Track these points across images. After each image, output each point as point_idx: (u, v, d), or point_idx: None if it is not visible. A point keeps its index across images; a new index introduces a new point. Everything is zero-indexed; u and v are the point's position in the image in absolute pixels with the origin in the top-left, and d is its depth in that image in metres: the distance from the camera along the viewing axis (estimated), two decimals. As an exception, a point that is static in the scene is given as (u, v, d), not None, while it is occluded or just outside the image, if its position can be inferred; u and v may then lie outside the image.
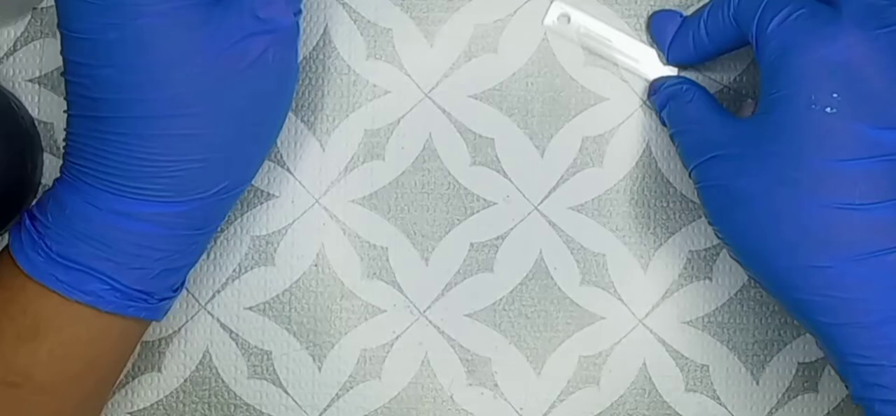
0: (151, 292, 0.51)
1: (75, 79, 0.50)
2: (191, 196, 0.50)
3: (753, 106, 0.58)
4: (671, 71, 0.59)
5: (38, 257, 0.50)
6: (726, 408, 0.60)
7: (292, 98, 0.53)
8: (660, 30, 0.58)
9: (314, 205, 0.60)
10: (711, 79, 0.60)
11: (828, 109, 0.49)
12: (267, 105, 0.51)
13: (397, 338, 0.61)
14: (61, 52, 0.50)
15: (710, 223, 0.54)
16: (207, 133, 0.49)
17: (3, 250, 0.52)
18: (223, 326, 0.60)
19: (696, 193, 0.60)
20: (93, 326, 0.51)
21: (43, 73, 0.60)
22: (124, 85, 0.48)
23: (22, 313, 0.50)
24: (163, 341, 0.60)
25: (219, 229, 0.59)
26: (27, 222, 0.51)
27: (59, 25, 0.50)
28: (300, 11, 0.52)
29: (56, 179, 0.52)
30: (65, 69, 0.50)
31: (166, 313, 0.54)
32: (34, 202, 0.53)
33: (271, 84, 0.51)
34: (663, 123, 0.58)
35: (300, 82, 0.60)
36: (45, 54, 0.60)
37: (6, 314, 0.50)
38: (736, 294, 0.61)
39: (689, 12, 0.58)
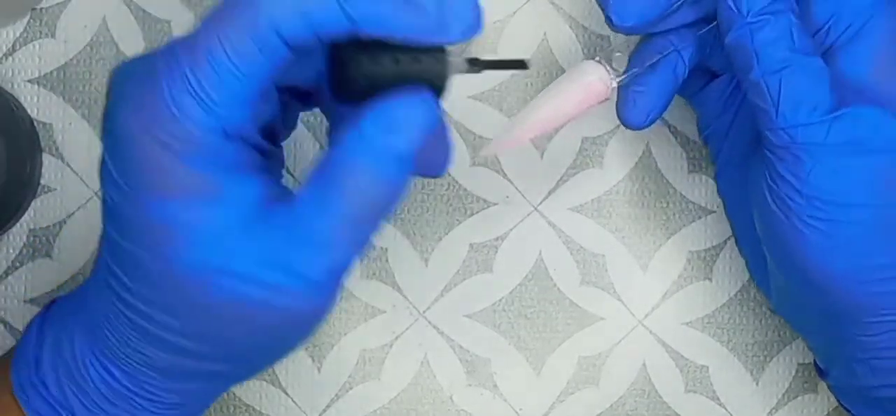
0: None
1: (117, 261, 0.45)
2: (188, 399, 0.48)
3: None
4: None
5: (36, 396, 0.48)
6: (726, 409, 0.60)
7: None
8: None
9: (314, 205, 0.60)
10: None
11: None
12: (281, 349, 0.48)
13: (397, 339, 0.61)
14: (105, 225, 0.46)
15: None
16: (218, 369, 0.46)
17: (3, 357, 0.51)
18: (223, 326, 0.60)
19: (694, 194, 0.60)
20: None
21: (42, 73, 0.60)
22: (154, 302, 0.45)
23: None
24: (162, 342, 0.60)
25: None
26: (34, 338, 0.49)
27: (106, 216, 0.46)
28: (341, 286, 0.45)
29: (82, 289, 0.49)
30: (108, 234, 0.46)
31: None
32: (46, 307, 0.50)
33: (291, 338, 0.47)
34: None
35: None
36: (45, 55, 0.60)
37: None
38: (736, 295, 0.60)
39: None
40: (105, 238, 0.46)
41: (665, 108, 0.54)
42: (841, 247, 0.49)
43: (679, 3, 0.52)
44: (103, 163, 0.45)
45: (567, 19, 0.60)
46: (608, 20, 0.52)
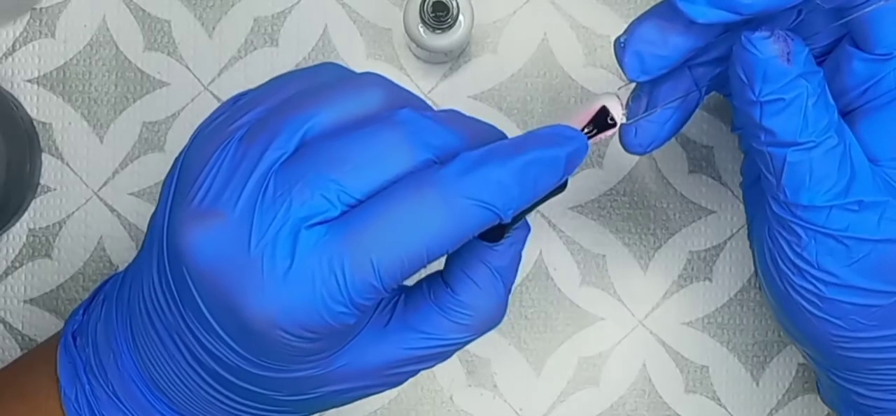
0: None
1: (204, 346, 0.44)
2: None
3: None
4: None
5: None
6: (726, 409, 0.60)
7: None
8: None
9: (314, 205, 0.60)
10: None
11: None
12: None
13: (397, 339, 0.60)
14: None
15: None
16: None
17: (46, 349, 0.50)
18: (222, 326, 0.60)
19: (694, 194, 0.60)
20: None
21: (42, 73, 0.60)
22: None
23: None
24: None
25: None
26: (91, 362, 0.48)
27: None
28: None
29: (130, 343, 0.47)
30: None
31: None
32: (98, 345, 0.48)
33: None
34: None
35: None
36: (45, 55, 0.60)
37: None
38: (736, 295, 0.60)
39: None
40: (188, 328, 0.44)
41: (671, 137, 0.51)
42: (830, 319, 0.48)
43: (694, 53, 0.49)
44: (191, 300, 0.43)
45: (567, 19, 0.60)
46: (623, 71, 0.49)
